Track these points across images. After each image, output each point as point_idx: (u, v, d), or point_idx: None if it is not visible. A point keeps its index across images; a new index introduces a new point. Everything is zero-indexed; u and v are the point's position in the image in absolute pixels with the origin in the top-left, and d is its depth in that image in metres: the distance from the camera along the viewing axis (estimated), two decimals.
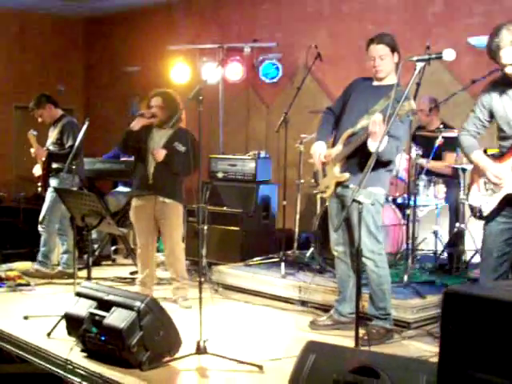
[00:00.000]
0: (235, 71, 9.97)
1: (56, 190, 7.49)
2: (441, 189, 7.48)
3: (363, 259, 5.63)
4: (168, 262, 7.13)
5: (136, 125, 6.81)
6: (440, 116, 8.07)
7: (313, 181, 6.21)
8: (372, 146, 5.17)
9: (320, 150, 5.85)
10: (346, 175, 5.62)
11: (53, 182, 8.22)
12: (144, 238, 7.05)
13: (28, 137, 8.37)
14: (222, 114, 10.51)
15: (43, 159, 8.23)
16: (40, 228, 8.29)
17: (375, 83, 5.75)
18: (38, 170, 8.36)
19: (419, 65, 4.69)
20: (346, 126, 5.69)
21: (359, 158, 5.50)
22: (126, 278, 8.27)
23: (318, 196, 8.10)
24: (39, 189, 8.20)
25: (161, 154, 6.76)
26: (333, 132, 5.93)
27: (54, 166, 8.23)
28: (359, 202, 4.59)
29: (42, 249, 8.32)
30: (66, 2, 12.23)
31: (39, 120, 8.47)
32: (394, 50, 5.62)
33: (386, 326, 5.80)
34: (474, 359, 3.02)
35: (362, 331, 5.07)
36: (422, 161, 7.31)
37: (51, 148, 8.29)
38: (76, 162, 8.04)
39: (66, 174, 8.13)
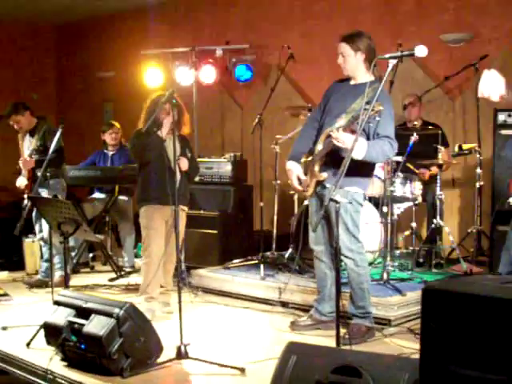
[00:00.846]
0: (208, 74, 9.94)
1: (30, 198, 7.42)
2: (417, 185, 7.51)
3: (343, 258, 5.64)
4: (167, 269, 6.80)
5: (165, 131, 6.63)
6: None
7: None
8: (354, 155, 5.13)
9: (295, 171, 5.83)
10: (324, 175, 5.60)
11: (42, 191, 8.05)
12: (160, 247, 6.66)
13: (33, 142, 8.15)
14: (197, 117, 10.47)
15: (29, 169, 8.09)
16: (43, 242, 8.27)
17: (352, 82, 5.74)
18: (22, 182, 8.20)
19: (392, 62, 4.69)
20: (325, 127, 5.67)
21: (337, 158, 5.49)
22: (104, 285, 8.23)
23: (295, 197, 8.11)
24: (25, 200, 7.97)
25: (185, 163, 6.64)
26: (310, 144, 5.87)
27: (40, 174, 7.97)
28: (336, 201, 4.59)
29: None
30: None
31: (15, 127, 8.31)
32: (357, 48, 5.57)
33: (367, 324, 5.80)
34: (454, 355, 3.02)
35: (342, 330, 5.06)
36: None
37: (35, 156, 8.11)
38: (62, 166, 8.02)
39: (54, 180, 8.10)
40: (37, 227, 8.28)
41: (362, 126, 4.84)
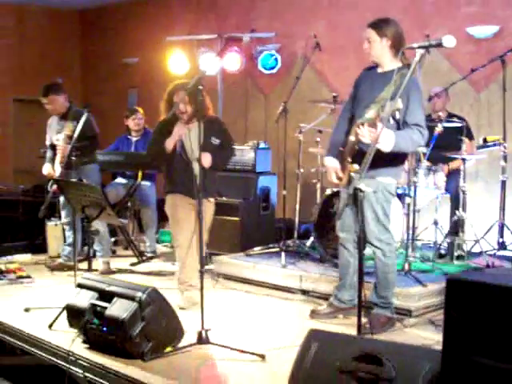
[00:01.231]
0: (233, 61, 9.94)
1: (56, 181, 7.42)
2: (441, 177, 7.48)
3: (372, 247, 5.65)
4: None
5: (170, 145, 6.47)
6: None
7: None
8: (381, 147, 5.12)
9: (333, 167, 5.80)
10: (355, 166, 5.58)
11: (79, 177, 7.82)
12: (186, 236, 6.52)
13: (66, 127, 7.78)
14: (221, 105, 10.49)
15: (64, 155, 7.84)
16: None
17: (379, 70, 5.69)
18: (49, 169, 8.15)
19: (419, 52, 4.66)
20: (356, 118, 5.63)
21: (367, 149, 5.47)
22: (126, 270, 8.28)
23: (318, 185, 8.12)
24: (50, 183, 7.92)
25: (207, 160, 6.36)
26: (344, 137, 5.84)
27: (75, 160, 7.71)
28: (360, 190, 4.58)
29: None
30: None
31: (50, 107, 8.24)
32: (382, 34, 5.52)
33: (388, 315, 5.80)
34: (477, 345, 3.03)
35: (363, 319, 5.07)
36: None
37: (70, 141, 7.72)
38: (96, 151, 8.11)
39: (92, 165, 8.18)
40: (64, 212, 8.28)
41: (386, 120, 4.83)
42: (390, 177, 5.60)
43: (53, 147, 8.27)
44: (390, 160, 5.37)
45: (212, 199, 6.72)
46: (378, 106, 5.16)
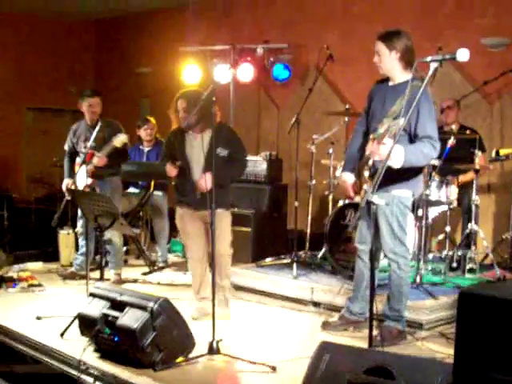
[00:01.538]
0: (246, 72, 9.96)
1: (71, 191, 7.42)
2: (453, 190, 7.47)
3: (387, 260, 5.65)
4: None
5: (172, 172, 6.45)
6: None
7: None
8: (392, 164, 5.11)
9: (349, 182, 5.84)
10: (371, 183, 5.62)
11: (106, 188, 7.86)
12: (196, 250, 6.59)
13: (115, 139, 7.69)
14: (233, 115, 10.50)
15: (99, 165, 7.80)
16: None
17: (390, 83, 5.68)
18: (68, 185, 7.88)
19: (433, 65, 4.66)
20: (371, 132, 5.65)
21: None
22: (138, 279, 8.29)
23: (330, 197, 8.13)
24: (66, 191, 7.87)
25: (207, 183, 6.05)
26: (360, 151, 5.86)
27: (103, 171, 7.88)
28: (373, 203, 4.58)
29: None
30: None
31: (90, 110, 8.02)
32: (392, 47, 5.51)
33: (399, 328, 5.78)
34: (489, 359, 3.02)
35: (375, 332, 5.06)
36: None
37: (101, 151, 7.78)
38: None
39: (117, 177, 8.13)
40: (81, 221, 8.17)
41: (394, 135, 4.83)
42: (405, 189, 5.58)
43: (73, 154, 8.20)
44: (404, 172, 5.36)
45: (226, 211, 6.47)
46: (389, 121, 5.17)
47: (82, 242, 8.28)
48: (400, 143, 5.06)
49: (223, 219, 6.41)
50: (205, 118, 6.06)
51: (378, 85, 5.86)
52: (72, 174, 7.95)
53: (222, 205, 6.29)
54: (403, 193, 5.57)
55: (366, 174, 5.59)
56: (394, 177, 5.10)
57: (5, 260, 8.45)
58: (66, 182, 7.97)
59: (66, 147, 8.31)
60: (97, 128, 7.59)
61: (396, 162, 5.11)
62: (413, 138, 5.43)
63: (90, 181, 7.57)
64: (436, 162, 7.27)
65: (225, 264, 6.52)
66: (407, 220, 5.73)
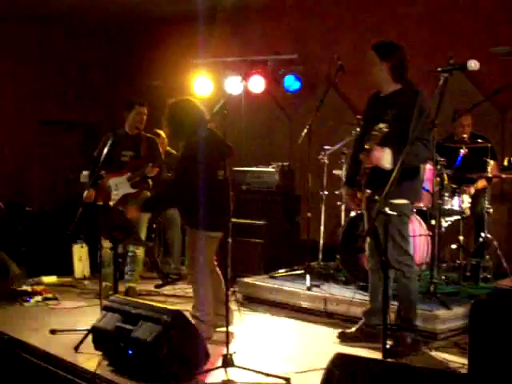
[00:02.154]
0: (257, 84, 9.98)
1: (84, 205, 7.41)
2: (465, 199, 7.46)
3: (393, 270, 5.65)
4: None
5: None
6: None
7: None
8: (382, 164, 5.37)
9: (350, 195, 6.02)
10: (368, 191, 5.68)
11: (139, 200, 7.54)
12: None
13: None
14: (245, 126, 10.51)
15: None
16: None
17: (382, 94, 5.82)
18: (90, 196, 7.66)
19: (443, 76, 4.67)
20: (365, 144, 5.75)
21: (377, 171, 5.54)
22: (151, 292, 8.31)
23: (343, 207, 8.12)
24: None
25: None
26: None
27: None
28: (385, 213, 4.58)
29: None
30: None
31: (139, 119, 7.95)
32: (383, 57, 5.64)
33: (412, 337, 5.77)
34: (504, 369, 3.01)
35: (389, 342, 5.05)
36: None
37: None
38: None
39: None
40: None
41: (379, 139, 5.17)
42: (402, 198, 5.60)
43: (108, 162, 7.75)
44: (401, 181, 5.38)
45: (196, 230, 6.19)
46: (380, 129, 5.28)
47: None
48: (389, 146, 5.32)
49: (194, 237, 6.26)
50: (174, 131, 6.22)
51: (372, 97, 6.00)
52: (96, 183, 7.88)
53: (190, 223, 6.29)
54: (401, 201, 5.59)
55: (363, 183, 5.72)
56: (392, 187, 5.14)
57: (19, 274, 8.47)
58: (90, 194, 7.66)
59: (96, 154, 8.04)
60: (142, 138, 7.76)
61: (385, 162, 5.35)
62: (404, 141, 5.48)
63: (134, 190, 7.67)
64: (449, 171, 7.29)
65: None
66: (408, 228, 5.76)
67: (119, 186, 7.72)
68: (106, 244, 6.89)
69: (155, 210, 6.45)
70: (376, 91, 5.94)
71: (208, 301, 6.19)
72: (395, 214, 5.06)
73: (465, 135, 7.82)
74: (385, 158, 5.36)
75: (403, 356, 5.46)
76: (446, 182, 7.37)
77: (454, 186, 7.47)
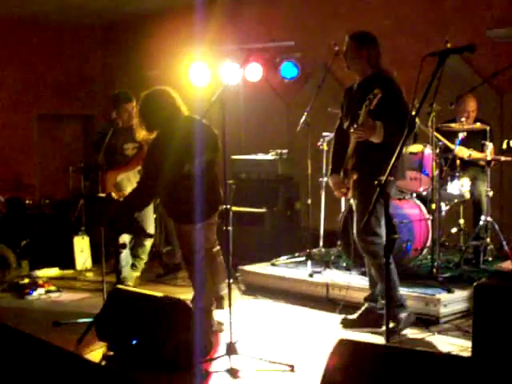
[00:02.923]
0: (255, 71, 9.96)
1: (83, 196, 7.43)
2: (465, 182, 7.46)
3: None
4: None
5: None
6: None
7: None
8: (374, 139, 5.61)
9: (336, 183, 6.10)
10: (355, 175, 5.77)
11: None
12: None
13: None
14: (243, 115, 10.51)
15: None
16: None
17: (357, 81, 6.08)
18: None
19: (440, 59, 4.66)
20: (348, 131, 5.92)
21: (364, 151, 5.77)
22: (153, 281, 8.32)
23: None
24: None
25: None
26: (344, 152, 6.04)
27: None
28: (386, 193, 4.53)
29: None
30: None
31: (132, 113, 7.69)
32: (361, 46, 5.95)
33: (404, 312, 5.85)
34: (507, 351, 3.02)
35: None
36: (464, 150, 7.44)
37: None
38: None
39: None
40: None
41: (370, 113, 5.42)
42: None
43: (110, 154, 7.91)
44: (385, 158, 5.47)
45: (178, 224, 6.18)
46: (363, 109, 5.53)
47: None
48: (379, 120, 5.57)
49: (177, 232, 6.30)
50: (146, 123, 6.14)
51: (347, 90, 6.29)
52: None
53: (172, 215, 6.30)
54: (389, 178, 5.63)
55: (349, 167, 5.90)
56: (375, 164, 5.52)
57: (14, 263, 8.49)
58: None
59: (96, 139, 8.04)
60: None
61: (377, 137, 5.57)
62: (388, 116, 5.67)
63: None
64: (449, 154, 7.31)
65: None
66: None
67: (130, 181, 7.67)
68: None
69: (139, 207, 6.28)
70: (350, 86, 6.22)
71: (207, 289, 6.16)
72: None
73: (462, 119, 7.78)
74: (377, 131, 5.54)
75: (400, 332, 5.67)
76: (444, 167, 7.40)
77: (453, 169, 7.47)
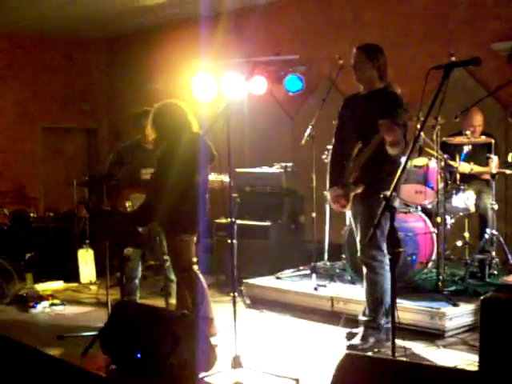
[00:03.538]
0: (259, 85, 9.96)
1: (89, 209, 7.40)
2: (470, 195, 7.44)
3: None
4: None
5: None
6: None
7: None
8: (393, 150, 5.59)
9: (335, 197, 6.08)
10: (361, 188, 5.75)
11: None
12: None
13: None
14: (248, 128, 10.51)
15: None
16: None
17: (363, 92, 6.07)
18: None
19: (446, 72, 4.65)
20: (353, 141, 5.93)
21: (370, 166, 5.72)
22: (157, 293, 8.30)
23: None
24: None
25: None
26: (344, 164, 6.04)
27: None
28: (394, 208, 4.53)
29: None
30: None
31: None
32: (372, 57, 5.94)
33: (376, 337, 5.83)
34: None
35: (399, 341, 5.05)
36: (465, 166, 7.40)
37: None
38: None
39: None
40: None
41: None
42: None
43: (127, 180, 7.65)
44: (389, 172, 5.55)
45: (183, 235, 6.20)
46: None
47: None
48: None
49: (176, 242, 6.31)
50: (159, 135, 6.35)
51: (348, 99, 6.31)
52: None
53: (171, 226, 6.30)
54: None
55: (351, 181, 5.88)
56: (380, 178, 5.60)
57: (16, 279, 8.49)
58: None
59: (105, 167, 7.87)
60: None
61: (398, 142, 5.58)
62: None
63: None
64: (453, 168, 7.30)
65: None
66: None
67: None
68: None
69: (146, 223, 6.33)
70: (353, 94, 6.26)
71: (207, 297, 6.25)
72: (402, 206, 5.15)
73: (467, 132, 7.75)
74: (397, 134, 5.53)
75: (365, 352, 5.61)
76: (449, 181, 7.39)
77: (459, 182, 7.46)
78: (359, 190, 5.81)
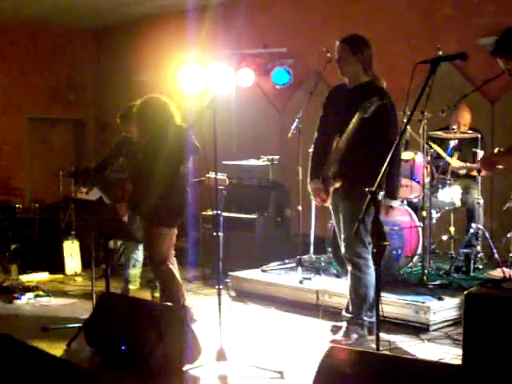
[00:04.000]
0: (247, 77, 9.96)
1: (74, 200, 7.40)
2: (456, 190, 7.46)
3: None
4: None
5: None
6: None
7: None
8: None
9: (316, 189, 5.99)
10: (339, 183, 5.73)
11: None
12: None
13: None
14: (235, 120, 10.49)
15: None
16: None
17: (349, 86, 5.93)
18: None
19: (432, 67, 4.66)
20: (334, 135, 5.88)
21: (348, 160, 5.68)
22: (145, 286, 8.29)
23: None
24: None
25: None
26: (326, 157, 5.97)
27: None
28: (380, 202, 4.54)
29: None
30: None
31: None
32: (356, 50, 5.79)
33: (359, 333, 5.81)
34: (498, 360, 3.01)
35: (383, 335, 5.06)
36: (456, 162, 7.42)
37: None
38: None
39: None
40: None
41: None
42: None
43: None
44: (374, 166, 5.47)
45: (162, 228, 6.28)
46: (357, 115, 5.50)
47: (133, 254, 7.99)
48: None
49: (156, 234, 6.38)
50: (142, 129, 6.40)
51: (334, 91, 6.16)
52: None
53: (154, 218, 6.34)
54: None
55: (330, 175, 5.82)
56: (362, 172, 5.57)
57: (0, 270, 8.48)
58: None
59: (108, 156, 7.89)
60: None
61: None
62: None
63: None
64: (440, 162, 7.31)
65: None
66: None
67: None
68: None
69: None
70: (339, 85, 6.09)
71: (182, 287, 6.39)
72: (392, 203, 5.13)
73: (454, 126, 7.76)
74: None
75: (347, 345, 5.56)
76: (436, 174, 7.41)
77: (444, 177, 7.48)
78: (337, 185, 5.77)
